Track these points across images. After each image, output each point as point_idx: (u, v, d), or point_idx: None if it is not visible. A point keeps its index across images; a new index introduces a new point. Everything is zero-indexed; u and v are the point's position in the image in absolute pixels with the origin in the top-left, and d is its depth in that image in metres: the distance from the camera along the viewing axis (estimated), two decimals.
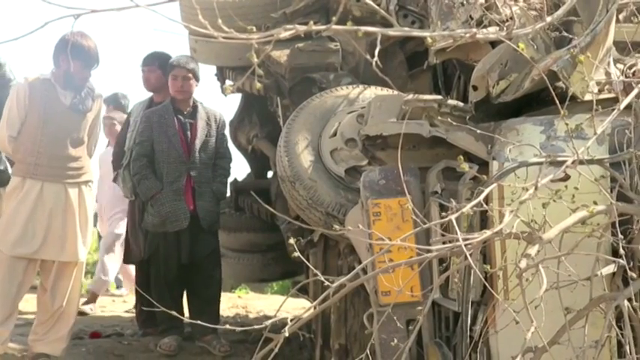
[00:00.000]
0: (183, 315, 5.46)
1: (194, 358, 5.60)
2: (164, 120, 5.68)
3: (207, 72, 6.79)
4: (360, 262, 3.69)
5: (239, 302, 8.30)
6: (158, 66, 6.03)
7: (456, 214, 2.64)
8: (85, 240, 5.21)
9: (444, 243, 2.74)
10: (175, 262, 5.63)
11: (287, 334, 2.65)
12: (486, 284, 3.08)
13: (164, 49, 6.22)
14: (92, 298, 7.55)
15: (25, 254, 5.03)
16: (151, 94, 6.21)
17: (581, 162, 2.84)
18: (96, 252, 9.70)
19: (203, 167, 5.69)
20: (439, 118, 3.78)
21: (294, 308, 6.29)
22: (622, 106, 2.99)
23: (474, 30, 2.88)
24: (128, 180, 5.92)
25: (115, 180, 6.20)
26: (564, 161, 2.83)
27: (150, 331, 6.02)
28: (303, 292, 5.15)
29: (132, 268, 7.13)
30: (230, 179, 6.39)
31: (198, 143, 5.67)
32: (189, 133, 5.69)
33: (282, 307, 2.95)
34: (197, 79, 5.75)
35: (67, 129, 5.14)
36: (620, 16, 4.00)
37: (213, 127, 5.75)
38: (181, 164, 5.63)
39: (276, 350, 2.71)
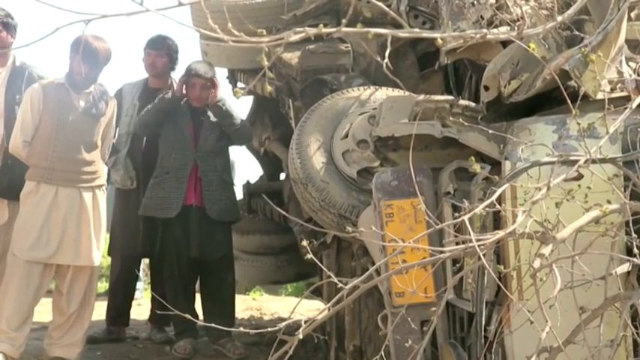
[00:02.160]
0: (197, 317, 5.47)
1: None
2: (176, 113, 5.71)
3: (218, 75, 6.79)
4: (373, 264, 3.68)
5: (253, 304, 8.31)
6: (166, 52, 6.01)
7: (468, 215, 2.63)
8: (99, 244, 5.22)
9: (457, 244, 2.73)
10: (186, 258, 5.64)
11: (301, 336, 2.64)
12: (500, 284, 3.07)
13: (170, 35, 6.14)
14: None
15: (40, 259, 5.05)
16: (145, 75, 6.17)
17: (593, 161, 2.83)
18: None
19: (210, 156, 5.70)
20: (451, 118, 3.77)
21: (308, 310, 6.28)
22: (634, 104, 2.98)
23: (485, 30, 2.88)
24: (131, 168, 5.89)
25: (112, 167, 5.94)
26: (577, 160, 2.82)
27: (164, 334, 6.04)
28: (316, 293, 5.14)
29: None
30: (243, 182, 6.43)
31: (207, 132, 5.70)
32: (199, 122, 5.72)
33: (296, 308, 2.95)
34: (215, 86, 5.72)
35: (81, 133, 5.15)
36: (632, 14, 3.99)
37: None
38: (188, 152, 5.65)
39: (291, 352, 2.71)
